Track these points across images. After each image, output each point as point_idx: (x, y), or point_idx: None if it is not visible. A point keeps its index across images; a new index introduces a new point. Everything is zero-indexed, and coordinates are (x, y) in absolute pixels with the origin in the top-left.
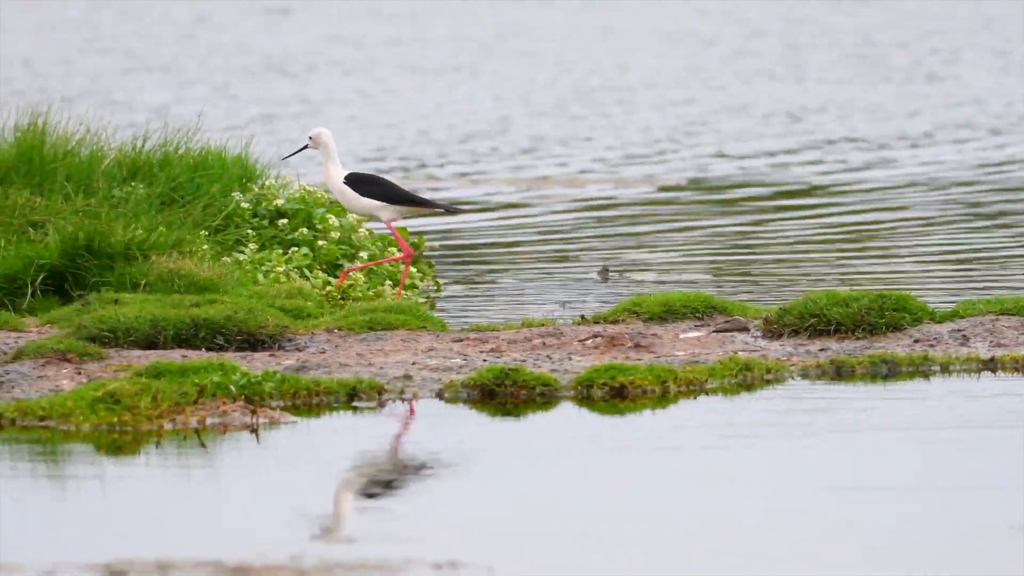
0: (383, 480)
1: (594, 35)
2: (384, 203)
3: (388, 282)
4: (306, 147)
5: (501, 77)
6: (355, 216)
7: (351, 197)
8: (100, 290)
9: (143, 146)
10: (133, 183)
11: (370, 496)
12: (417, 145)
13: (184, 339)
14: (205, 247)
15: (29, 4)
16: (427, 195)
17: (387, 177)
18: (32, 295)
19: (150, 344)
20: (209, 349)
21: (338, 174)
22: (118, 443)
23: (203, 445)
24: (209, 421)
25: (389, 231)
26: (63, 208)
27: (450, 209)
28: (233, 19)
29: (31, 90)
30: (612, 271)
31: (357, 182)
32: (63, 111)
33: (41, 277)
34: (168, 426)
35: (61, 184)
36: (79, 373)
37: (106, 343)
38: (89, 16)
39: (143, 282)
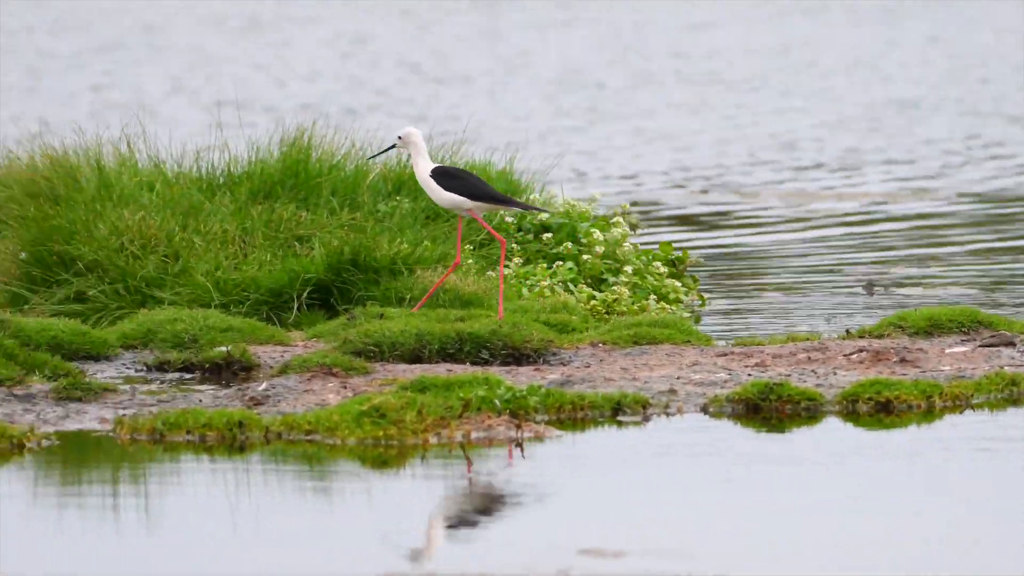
0: (650, 493)
1: (879, 47)
2: (465, 197)
3: (653, 296)
4: (393, 147)
5: (789, 90)
6: (442, 207)
7: (434, 188)
8: (365, 304)
9: (408, 160)
10: (398, 197)
11: (636, 509)
12: (708, 159)
13: (449, 353)
14: (470, 261)
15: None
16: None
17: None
18: (298, 309)
19: (415, 358)
20: (474, 363)
21: (426, 168)
22: (383, 457)
23: (468, 459)
24: (474, 435)
25: (481, 223)
26: (328, 222)
27: (530, 208)
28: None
29: (321, 104)
30: (877, 285)
31: (442, 175)
32: (330, 125)
33: (307, 291)
34: (433, 440)
35: (327, 198)
36: (345, 387)
37: (371, 357)
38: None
39: (408, 296)
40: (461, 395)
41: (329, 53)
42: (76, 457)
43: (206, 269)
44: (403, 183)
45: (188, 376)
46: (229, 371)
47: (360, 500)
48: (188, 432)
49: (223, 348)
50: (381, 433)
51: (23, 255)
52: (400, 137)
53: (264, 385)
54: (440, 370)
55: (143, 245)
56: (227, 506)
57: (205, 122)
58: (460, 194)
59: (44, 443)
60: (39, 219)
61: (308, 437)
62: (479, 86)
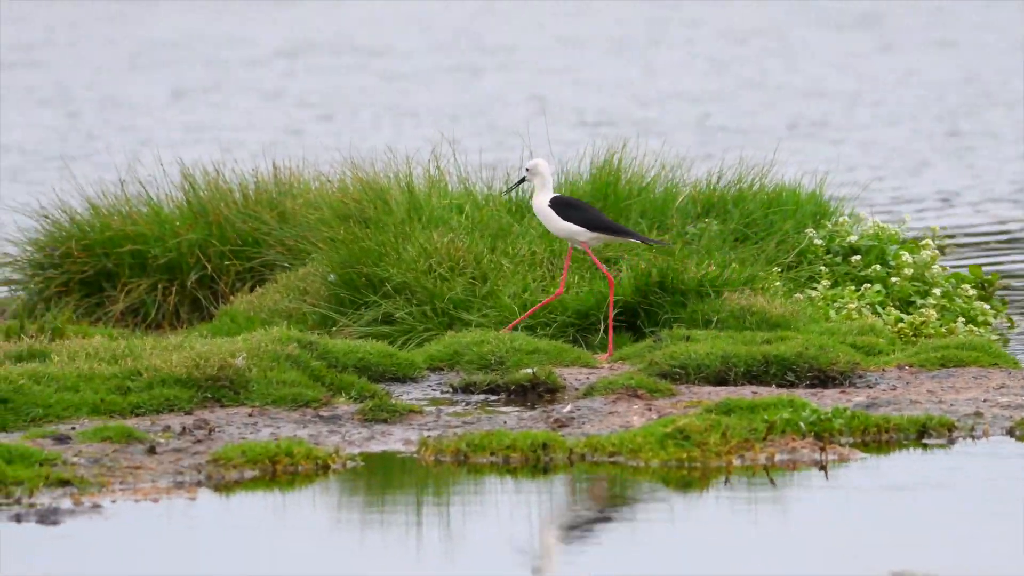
0: (956, 515)
1: None
2: (583, 228)
3: (961, 319)
4: (524, 179)
5: None
6: (560, 236)
7: (552, 218)
8: (672, 326)
9: (717, 182)
10: (707, 219)
11: (945, 530)
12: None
13: (754, 375)
14: (777, 284)
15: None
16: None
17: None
18: (603, 331)
19: (720, 380)
20: (779, 385)
21: (545, 198)
22: (687, 479)
23: (772, 481)
24: (778, 457)
25: (588, 254)
26: (636, 244)
27: (648, 241)
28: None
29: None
30: None
31: (560, 205)
32: (639, 147)
33: (614, 313)
34: (737, 462)
35: (635, 220)
36: (649, 409)
37: (676, 379)
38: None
39: (715, 318)
40: (766, 417)
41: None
42: (380, 478)
43: (513, 291)
44: (712, 205)
45: (493, 398)
46: (534, 393)
47: (663, 522)
48: (492, 454)
49: (529, 370)
50: (685, 455)
51: (332, 277)
52: (528, 169)
53: (569, 407)
54: (745, 392)
55: (451, 267)
56: (529, 528)
57: (508, 144)
58: (578, 224)
59: (349, 464)
60: (348, 241)
61: (611, 459)
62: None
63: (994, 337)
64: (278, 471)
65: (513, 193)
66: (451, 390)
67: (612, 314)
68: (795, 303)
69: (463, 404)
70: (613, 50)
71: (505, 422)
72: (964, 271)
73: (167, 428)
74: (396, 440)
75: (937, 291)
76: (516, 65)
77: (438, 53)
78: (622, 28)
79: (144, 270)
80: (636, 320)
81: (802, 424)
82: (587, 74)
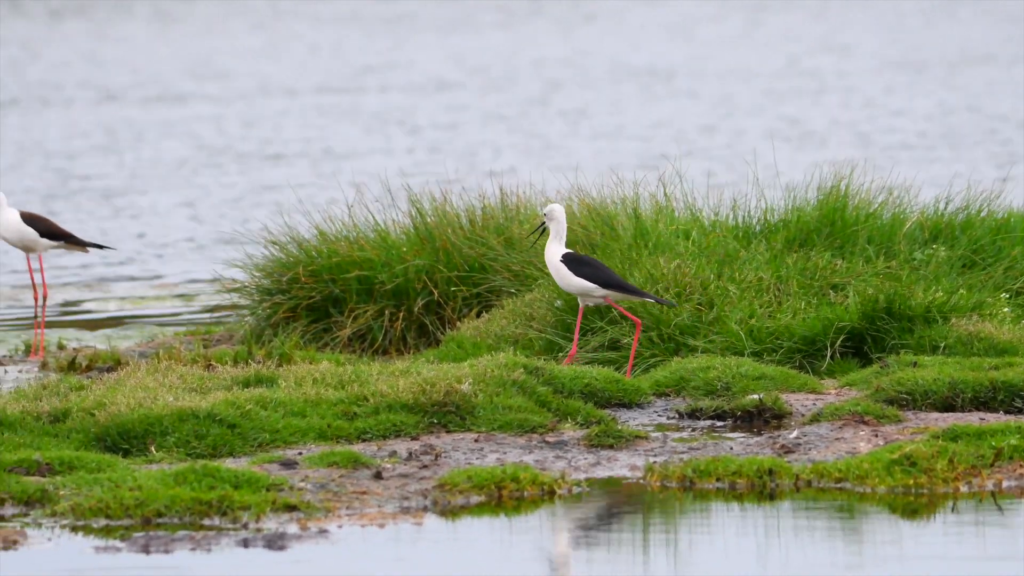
0: None
1: None
2: (596, 285)
3: None
4: (544, 225)
5: None
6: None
7: (565, 274)
8: (899, 352)
9: (945, 208)
10: (934, 245)
11: None
12: None
13: (982, 402)
14: (1005, 310)
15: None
16: None
17: None
18: (831, 357)
19: (947, 407)
20: (1007, 412)
21: (558, 251)
22: (913, 505)
23: (999, 508)
24: (1005, 484)
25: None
26: (863, 270)
27: (661, 301)
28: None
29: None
30: None
31: (572, 262)
32: (864, 174)
33: (840, 339)
34: (964, 488)
35: (862, 247)
36: (876, 435)
37: (903, 405)
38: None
39: (942, 344)
40: (993, 444)
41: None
42: (606, 504)
43: (740, 317)
44: (940, 231)
45: (719, 424)
46: (760, 419)
47: (891, 549)
48: (718, 479)
49: (755, 396)
50: (911, 481)
51: (559, 303)
52: (545, 213)
53: (795, 433)
54: (972, 418)
55: (678, 293)
56: (755, 553)
57: (738, 168)
58: (592, 281)
59: (575, 490)
60: None
61: (838, 485)
62: None
63: None
64: (504, 496)
65: (740, 219)
66: (677, 416)
67: (635, 348)
68: (1023, 329)
69: (689, 430)
70: (862, 76)
71: (731, 448)
72: None
73: (393, 453)
74: (622, 466)
75: None
76: (756, 84)
77: (681, 76)
78: (874, 58)
79: (371, 296)
80: (863, 346)
81: None
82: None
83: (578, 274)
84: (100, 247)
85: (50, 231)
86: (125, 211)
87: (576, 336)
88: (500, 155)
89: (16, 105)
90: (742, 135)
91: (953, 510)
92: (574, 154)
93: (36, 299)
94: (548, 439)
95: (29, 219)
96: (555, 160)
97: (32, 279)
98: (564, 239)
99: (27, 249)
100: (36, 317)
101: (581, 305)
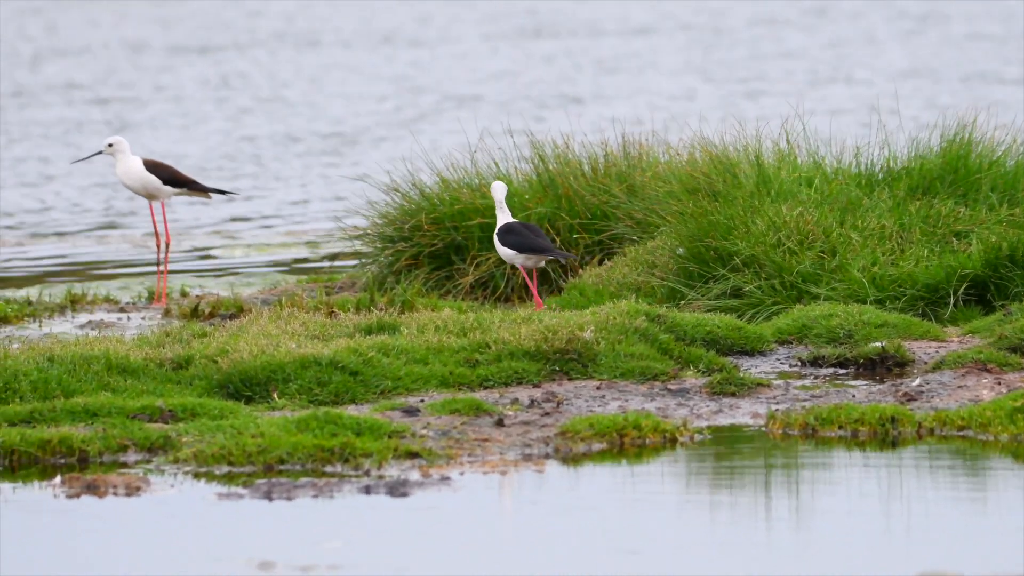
0: None
1: None
2: (514, 251)
3: None
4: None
5: None
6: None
7: (496, 245)
8: (1022, 300)
9: None
10: None
11: None
12: None
13: None
14: None
15: None
16: None
17: None
18: (954, 305)
19: None
20: None
21: (499, 224)
22: None
23: None
24: None
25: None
26: (987, 218)
27: (565, 256)
28: None
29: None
30: None
31: (502, 232)
32: (989, 120)
33: (963, 287)
34: None
35: (985, 194)
36: (999, 383)
37: None
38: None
39: None
40: None
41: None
42: (727, 451)
43: (862, 265)
44: None
45: (841, 371)
46: (883, 367)
47: (1014, 497)
48: (840, 427)
49: (878, 344)
50: None
51: (681, 250)
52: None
53: (918, 381)
54: None
55: (800, 241)
56: (878, 500)
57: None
58: (511, 248)
59: (696, 437)
60: (697, 215)
61: (960, 433)
62: None
63: None
64: (625, 444)
65: (863, 166)
66: (799, 363)
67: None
68: None
69: (811, 377)
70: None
71: (853, 395)
72: None
73: (515, 401)
74: (744, 413)
75: None
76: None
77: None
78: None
79: (492, 243)
80: (986, 294)
81: None
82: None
83: (503, 243)
84: (223, 192)
85: (173, 178)
86: (259, 158)
87: (534, 289)
88: (615, 104)
89: (206, 53)
90: (863, 82)
91: None
92: (698, 101)
93: (159, 246)
94: (670, 387)
95: (152, 167)
96: (676, 108)
97: (155, 226)
98: (506, 211)
99: (150, 197)
100: (159, 264)
101: (521, 269)
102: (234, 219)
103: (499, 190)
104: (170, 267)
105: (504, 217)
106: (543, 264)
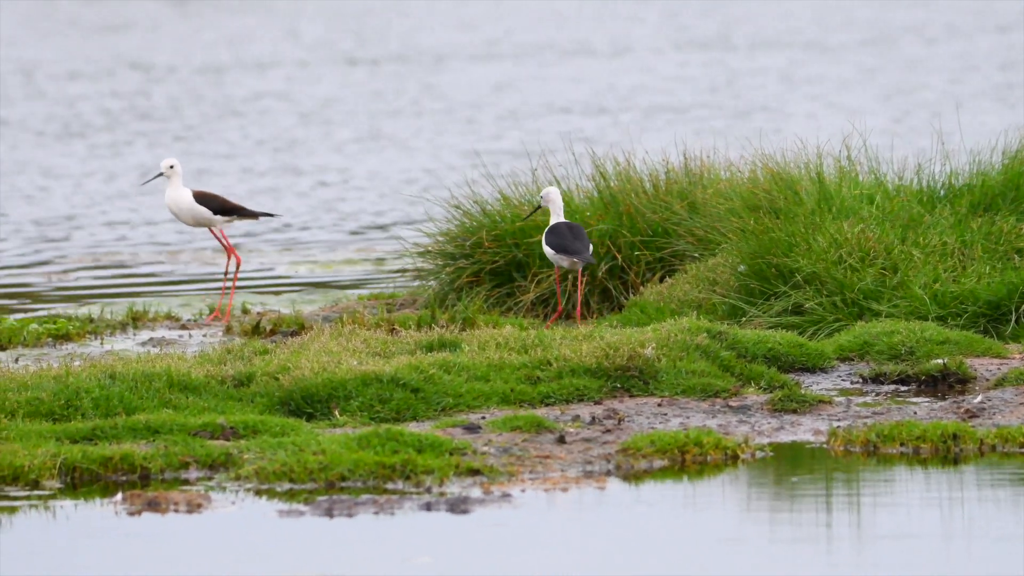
0: None
1: None
2: (553, 251)
3: None
4: (539, 207)
5: None
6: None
7: (543, 245)
8: None
9: None
10: None
11: None
12: None
13: None
14: None
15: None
16: None
17: None
18: (1015, 321)
19: None
20: None
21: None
22: None
23: None
24: None
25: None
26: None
27: (587, 260)
28: None
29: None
30: None
31: (548, 232)
32: None
33: None
34: None
35: None
36: None
37: None
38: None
39: None
40: None
41: None
42: (789, 468)
43: (924, 282)
44: None
45: (903, 388)
46: (944, 383)
47: None
48: (901, 444)
49: (939, 360)
50: None
51: (742, 268)
52: (542, 196)
53: (980, 398)
54: None
55: (861, 258)
56: (939, 518)
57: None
58: (551, 248)
59: (758, 454)
60: (758, 232)
61: (1022, 450)
62: None
63: None
64: (687, 461)
65: (924, 183)
66: (861, 380)
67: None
68: None
69: (873, 394)
70: None
71: (915, 412)
72: None
73: (576, 418)
74: (805, 430)
75: None
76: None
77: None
78: None
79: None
80: None
81: None
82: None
83: (546, 243)
84: (270, 215)
85: (223, 208)
86: (318, 175)
87: (559, 296)
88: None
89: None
90: (925, 102)
91: None
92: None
93: (227, 266)
94: (731, 403)
95: (201, 198)
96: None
97: (226, 246)
98: (560, 214)
99: (201, 226)
100: (226, 281)
101: (556, 269)
102: (297, 235)
103: (556, 192)
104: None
105: (556, 218)
106: (579, 267)
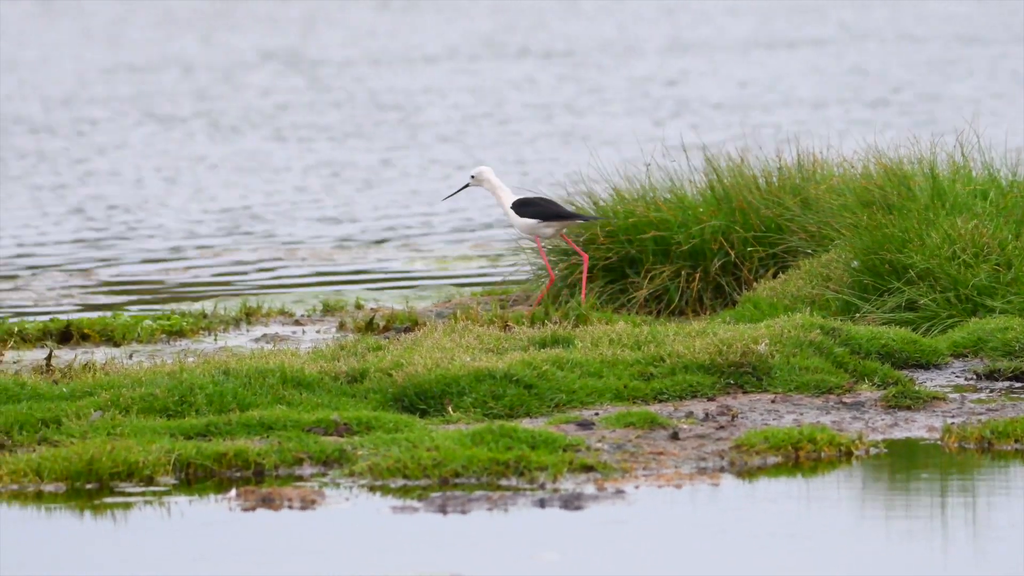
0: None
1: None
2: (539, 220)
3: None
4: (467, 186)
5: None
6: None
7: (514, 218)
8: None
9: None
10: None
11: None
12: None
13: None
14: None
15: None
16: None
17: None
18: None
19: None
20: None
21: (508, 200)
22: None
23: None
24: None
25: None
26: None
27: (592, 218)
28: None
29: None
30: None
31: (519, 205)
32: None
33: None
34: None
35: None
36: None
37: None
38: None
39: None
40: None
41: None
42: (903, 465)
43: None
44: None
45: (1017, 385)
46: None
47: None
48: (1016, 441)
49: None
50: None
51: (855, 263)
52: (473, 176)
53: None
54: None
55: (975, 254)
56: None
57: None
58: (533, 217)
59: (872, 451)
60: (871, 228)
61: None
62: None
63: None
64: (801, 457)
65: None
66: (975, 377)
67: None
68: None
69: (987, 391)
70: None
71: None
72: None
73: (690, 414)
74: (919, 427)
75: None
76: None
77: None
78: None
79: (667, 256)
80: None
81: None
82: None
83: (522, 215)
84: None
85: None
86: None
87: (549, 270)
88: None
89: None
90: None
91: None
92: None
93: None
94: (845, 400)
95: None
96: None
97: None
98: (506, 189)
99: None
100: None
101: (539, 243)
102: (414, 230)
103: (490, 171)
104: (344, 279)
105: (508, 195)
106: (564, 232)
